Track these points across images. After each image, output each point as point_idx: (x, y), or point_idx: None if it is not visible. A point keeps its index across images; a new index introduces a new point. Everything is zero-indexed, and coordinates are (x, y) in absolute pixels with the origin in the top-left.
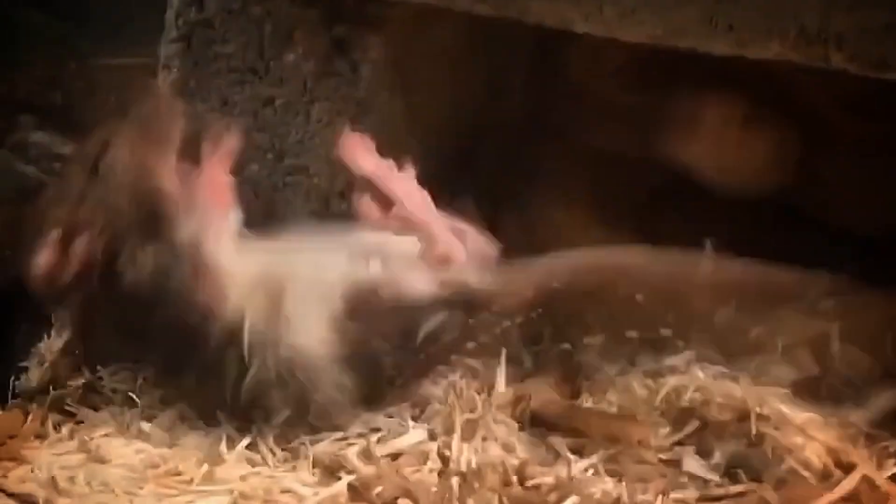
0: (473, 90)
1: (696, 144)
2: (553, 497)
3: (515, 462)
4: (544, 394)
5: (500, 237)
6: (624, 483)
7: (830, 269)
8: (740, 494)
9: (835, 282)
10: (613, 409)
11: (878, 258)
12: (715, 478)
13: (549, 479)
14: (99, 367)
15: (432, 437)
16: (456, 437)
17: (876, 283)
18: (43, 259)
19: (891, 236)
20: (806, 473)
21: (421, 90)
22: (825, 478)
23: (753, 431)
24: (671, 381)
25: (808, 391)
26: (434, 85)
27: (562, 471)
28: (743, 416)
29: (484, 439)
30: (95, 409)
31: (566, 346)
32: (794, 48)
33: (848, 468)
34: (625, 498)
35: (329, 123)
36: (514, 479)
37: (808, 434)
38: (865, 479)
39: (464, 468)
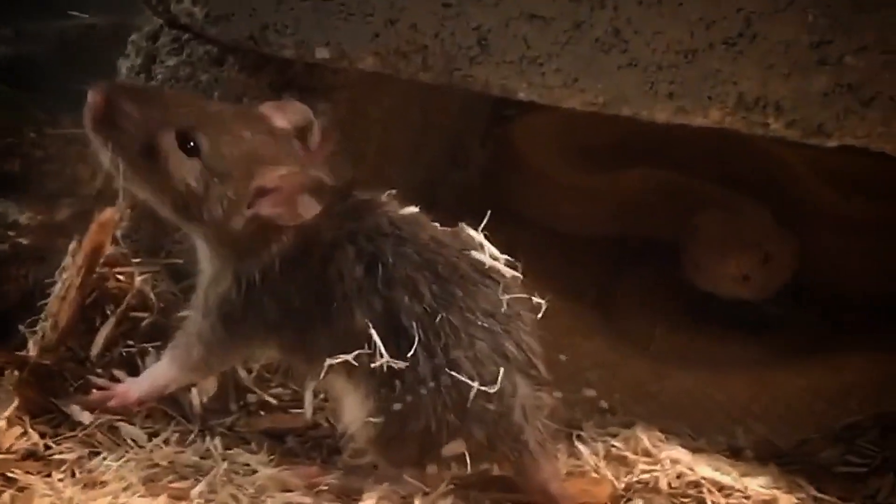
0: (429, 157)
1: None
2: None
3: None
4: None
5: None
6: None
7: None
8: None
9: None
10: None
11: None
12: None
13: None
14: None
15: None
16: None
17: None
18: None
19: None
20: None
21: (373, 156)
22: None
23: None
24: (618, 446)
25: (755, 452)
26: (388, 151)
27: None
28: (689, 482)
29: None
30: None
31: None
32: (733, 115)
33: None
34: None
35: None
36: None
37: (755, 500)
38: None
39: None
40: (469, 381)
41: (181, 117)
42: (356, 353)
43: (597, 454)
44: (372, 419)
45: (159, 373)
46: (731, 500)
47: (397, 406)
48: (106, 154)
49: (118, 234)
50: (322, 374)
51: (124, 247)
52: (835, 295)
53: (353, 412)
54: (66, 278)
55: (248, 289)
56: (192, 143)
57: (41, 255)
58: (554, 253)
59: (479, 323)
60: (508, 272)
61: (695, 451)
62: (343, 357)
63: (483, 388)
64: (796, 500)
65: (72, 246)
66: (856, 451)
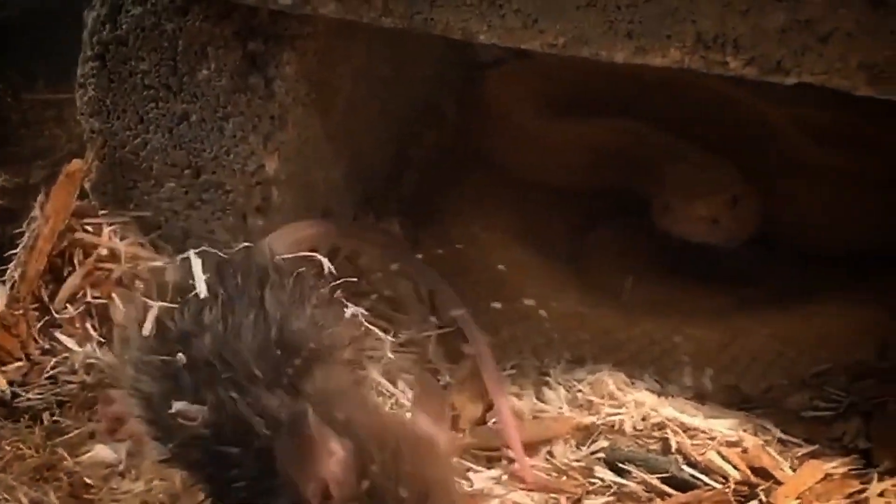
0: (400, 111)
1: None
2: None
3: None
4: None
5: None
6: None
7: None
8: (650, 501)
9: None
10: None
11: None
12: (629, 484)
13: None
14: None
15: None
16: None
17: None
18: None
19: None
20: (718, 480)
21: (342, 108)
22: (740, 484)
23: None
24: (584, 390)
25: (722, 399)
26: (357, 103)
27: (473, 481)
28: (653, 424)
29: None
30: None
31: None
32: (692, 54)
33: (763, 474)
34: None
35: (243, 139)
36: None
37: (720, 441)
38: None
39: None
40: None
41: None
42: None
43: (562, 399)
44: None
45: None
46: (695, 441)
47: None
48: None
49: (87, 186)
50: None
51: (93, 199)
52: (812, 248)
53: None
54: (34, 229)
55: None
56: None
57: (16, 216)
58: (530, 207)
59: None
60: None
61: (661, 395)
62: None
63: None
64: (762, 442)
65: (40, 198)
66: (823, 397)
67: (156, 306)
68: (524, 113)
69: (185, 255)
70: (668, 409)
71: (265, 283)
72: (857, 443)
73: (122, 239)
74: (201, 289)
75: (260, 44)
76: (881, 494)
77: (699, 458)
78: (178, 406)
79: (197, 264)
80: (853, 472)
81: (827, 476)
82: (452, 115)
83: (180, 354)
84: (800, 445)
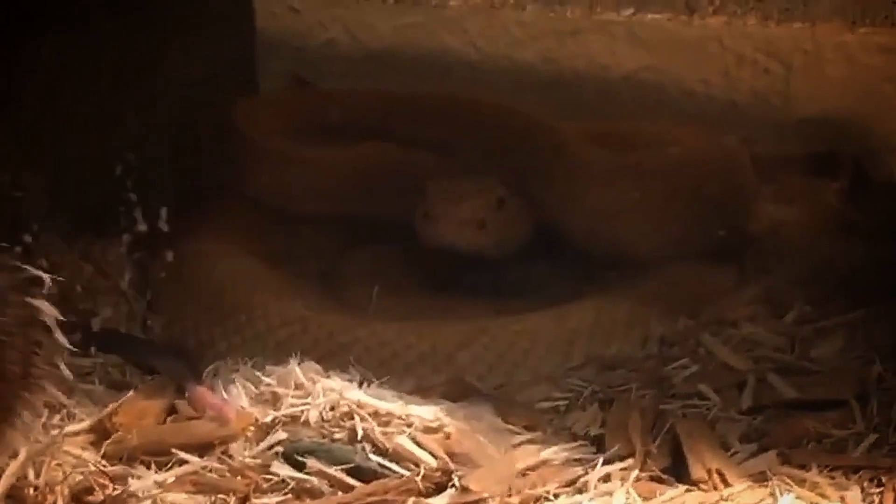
0: (133, 129)
1: None
2: None
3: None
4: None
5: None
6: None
7: None
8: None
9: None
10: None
11: None
12: (309, 478)
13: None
14: None
15: None
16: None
17: None
18: None
19: None
20: (408, 467)
21: (33, 106)
22: (435, 471)
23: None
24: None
25: (444, 394)
26: (61, 109)
27: (136, 484)
28: (343, 413)
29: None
30: None
31: None
32: None
33: (464, 460)
34: None
35: None
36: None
37: (417, 427)
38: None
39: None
40: None
41: None
42: None
43: (245, 396)
44: None
45: None
46: (388, 429)
47: None
48: None
49: None
50: None
51: None
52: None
53: None
54: None
55: None
56: None
57: None
58: (280, 231)
59: None
60: None
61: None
62: None
63: None
64: (468, 428)
65: None
66: (561, 388)
67: None
68: (275, 141)
69: None
70: (360, 395)
71: None
72: (590, 430)
73: None
74: None
75: None
76: (604, 479)
77: (388, 445)
78: None
79: None
80: (576, 459)
81: (544, 462)
82: (201, 141)
83: None
84: (518, 433)
